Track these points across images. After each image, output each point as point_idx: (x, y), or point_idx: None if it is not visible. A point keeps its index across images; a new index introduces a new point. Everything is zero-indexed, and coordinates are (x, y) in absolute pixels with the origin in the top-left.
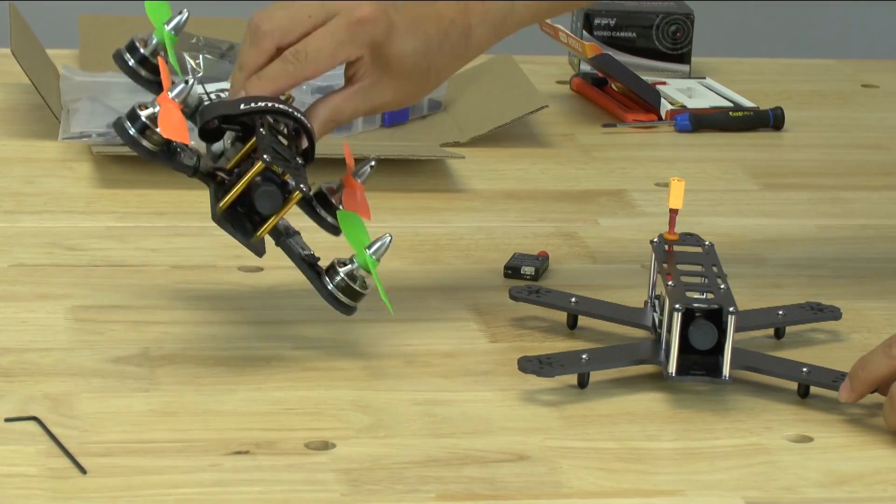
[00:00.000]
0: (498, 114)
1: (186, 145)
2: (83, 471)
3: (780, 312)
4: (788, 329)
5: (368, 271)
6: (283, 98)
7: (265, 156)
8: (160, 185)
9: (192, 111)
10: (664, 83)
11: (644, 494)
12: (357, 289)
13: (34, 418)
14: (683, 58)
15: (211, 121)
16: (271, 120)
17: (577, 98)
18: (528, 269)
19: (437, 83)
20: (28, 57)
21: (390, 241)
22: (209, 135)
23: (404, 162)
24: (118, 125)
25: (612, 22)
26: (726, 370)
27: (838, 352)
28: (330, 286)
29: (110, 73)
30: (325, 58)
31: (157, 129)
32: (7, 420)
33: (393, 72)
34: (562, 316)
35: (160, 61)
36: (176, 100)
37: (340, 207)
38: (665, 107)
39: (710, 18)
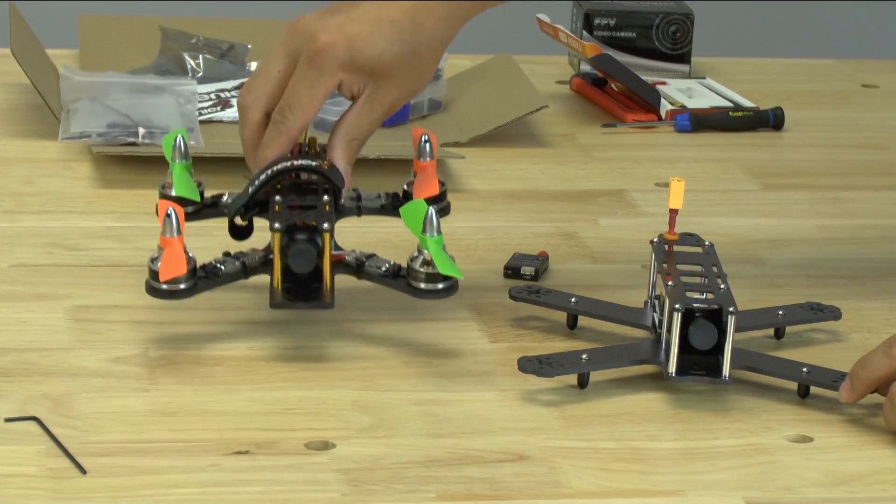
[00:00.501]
0: (498, 114)
1: (228, 254)
2: (83, 471)
3: (780, 312)
4: (788, 329)
5: (431, 253)
6: (304, 145)
7: (275, 224)
8: None
9: (209, 203)
10: (664, 83)
11: (644, 494)
12: (441, 270)
13: (34, 418)
14: (683, 58)
15: (234, 219)
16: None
17: (577, 98)
18: (528, 269)
19: (435, 56)
20: (28, 57)
21: (432, 211)
22: (242, 231)
23: (404, 162)
24: (149, 288)
25: (612, 22)
26: (726, 370)
27: (838, 352)
28: (422, 285)
29: (110, 72)
30: (306, 103)
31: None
32: (7, 420)
33: (381, 73)
34: (562, 316)
35: (159, 203)
36: (175, 235)
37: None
38: (665, 107)
39: (710, 18)
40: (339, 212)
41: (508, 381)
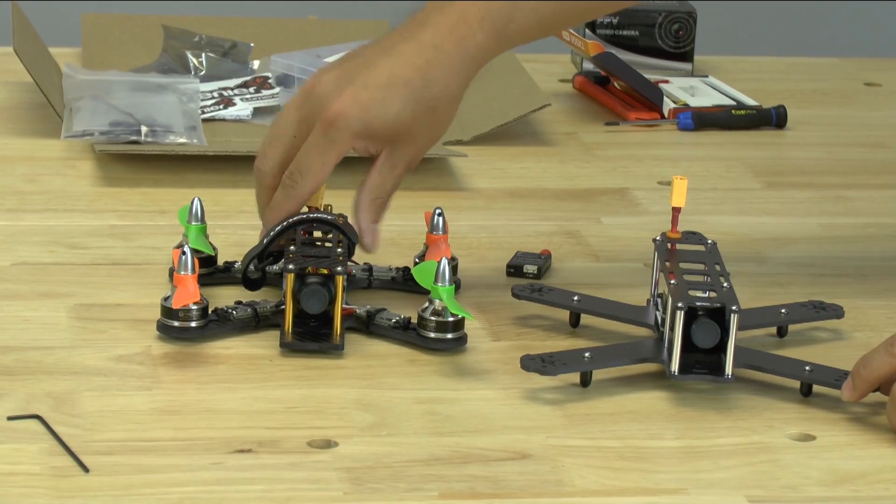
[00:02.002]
0: (500, 112)
1: (240, 302)
2: (85, 469)
3: (783, 311)
4: (791, 327)
5: (443, 300)
6: (319, 209)
7: (289, 266)
8: (162, 183)
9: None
10: (667, 81)
11: (647, 493)
12: (451, 320)
13: (36, 417)
14: (686, 56)
15: (248, 271)
16: (304, 233)
17: (579, 96)
18: (530, 268)
19: (452, 106)
20: (30, 55)
21: (445, 264)
22: (255, 282)
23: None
24: (161, 326)
25: (615, 20)
26: (729, 369)
27: (841, 350)
28: (432, 335)
29: (113, 71)
30: (316, 170)
31: (191, 307)
32: (10, 418)
33: (397, 134)
34: (564, 314)
35: (174, 252)
36: (189, 273)
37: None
38: (668, 105)
39: (713, 17)
40: (351, 282)
41: (511, 379)
